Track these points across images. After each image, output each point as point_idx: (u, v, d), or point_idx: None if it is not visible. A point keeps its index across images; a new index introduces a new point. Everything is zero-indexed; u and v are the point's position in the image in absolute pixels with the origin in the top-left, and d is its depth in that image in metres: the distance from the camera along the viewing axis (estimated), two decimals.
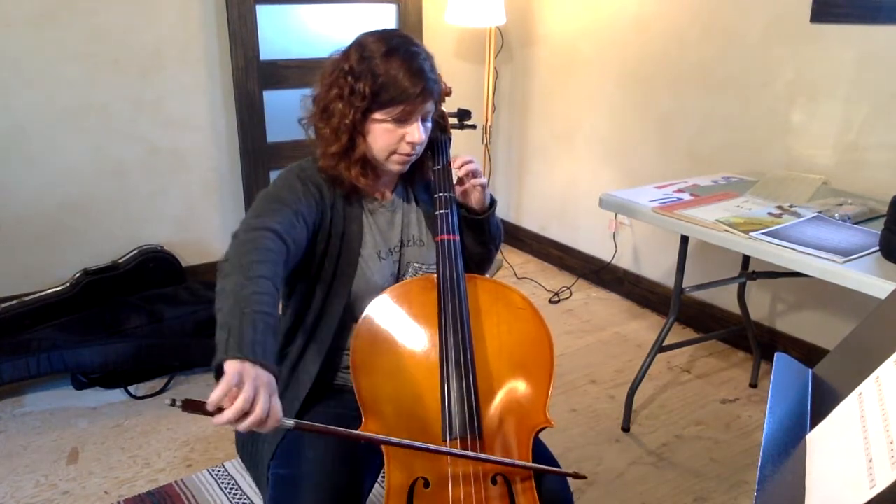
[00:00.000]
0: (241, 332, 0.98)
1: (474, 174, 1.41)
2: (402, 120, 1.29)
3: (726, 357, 2.82)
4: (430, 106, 1.32)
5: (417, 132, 1.30)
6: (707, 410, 2.46)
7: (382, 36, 1.31)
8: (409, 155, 1.33)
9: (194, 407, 0.92)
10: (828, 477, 0.67)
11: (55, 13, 2.69)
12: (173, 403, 0.90)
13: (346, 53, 1.31)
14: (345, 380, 1.37)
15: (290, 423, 0.98)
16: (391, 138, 1.30)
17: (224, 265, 1.11)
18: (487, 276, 1.45)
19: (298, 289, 1.37)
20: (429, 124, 1.35)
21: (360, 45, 1.30)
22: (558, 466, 1.27)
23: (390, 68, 1.26)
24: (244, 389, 0.91)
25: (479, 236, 1.46)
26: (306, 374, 1.33)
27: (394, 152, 1.32)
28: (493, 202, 1.45)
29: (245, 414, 0.91)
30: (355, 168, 1.32)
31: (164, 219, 3.10)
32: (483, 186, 1.42)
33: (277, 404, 0.96)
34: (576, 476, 1.26)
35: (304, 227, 1.25)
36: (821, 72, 2.44)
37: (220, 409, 0.91)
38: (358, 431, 1.15)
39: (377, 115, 1.29)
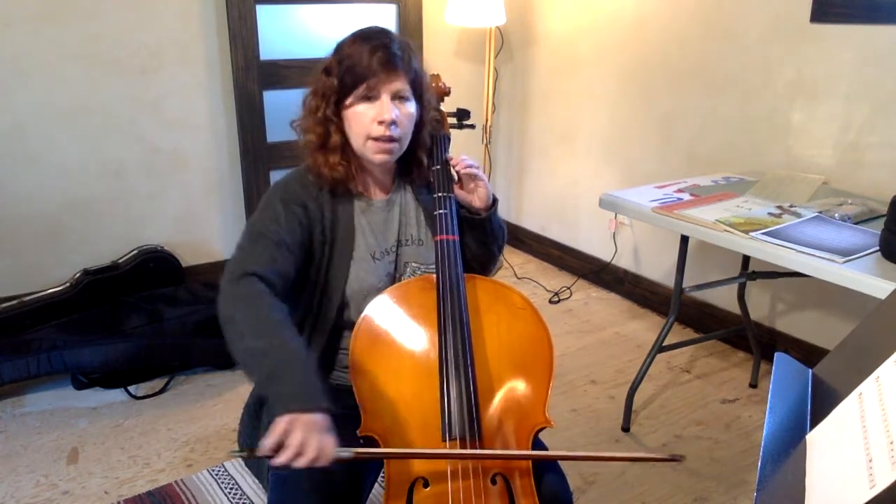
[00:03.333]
0: (289, 385, 1.08)
1: (476, 176, 1.39)
2: (368, 98, 1.29)
3: (726, 357, 2.82)
4: (399, 84, 1.30)
5: (387, 110, 1.28)
6: (707, 410, 2.46)
7: (359, 30, 1.34)
8: (387, 140, 1.30)
9: (252, 454, 1.08)
10: (828, 477, 0.67)
11: (55, 13, 2.68)
12: (236, 454, 1.13)
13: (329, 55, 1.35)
14: (343, 379, 1.37)
15: (348, 454, 1.06)
16: (363, 120, 1.30)
17: (232, 322, 1.16)
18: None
19: (295, 293, 1.37)
20: (408, 109, 1.32)
21: (338, 44, 1.34)
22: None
23: (354, 51, 1.29)
24: (293, 437, 1.01)
25: (482, 236, 1.43)
26: None
27: (369, 137, 1.30)
28: (494, 200, 1.43)
29: (299, 454, 1.01)
30: (333, 157, 1.33)
31: (164, 219, 3.10)
32: (485, 184, 1.40)
33: (327, 441, 1.04)
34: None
35: (288, 255, 1.27)
36: (821, 72, 2.44)
37: (278, 451, 1.02)
38: (414, 450, 1.17)
39: (348, 101, 1.30)
